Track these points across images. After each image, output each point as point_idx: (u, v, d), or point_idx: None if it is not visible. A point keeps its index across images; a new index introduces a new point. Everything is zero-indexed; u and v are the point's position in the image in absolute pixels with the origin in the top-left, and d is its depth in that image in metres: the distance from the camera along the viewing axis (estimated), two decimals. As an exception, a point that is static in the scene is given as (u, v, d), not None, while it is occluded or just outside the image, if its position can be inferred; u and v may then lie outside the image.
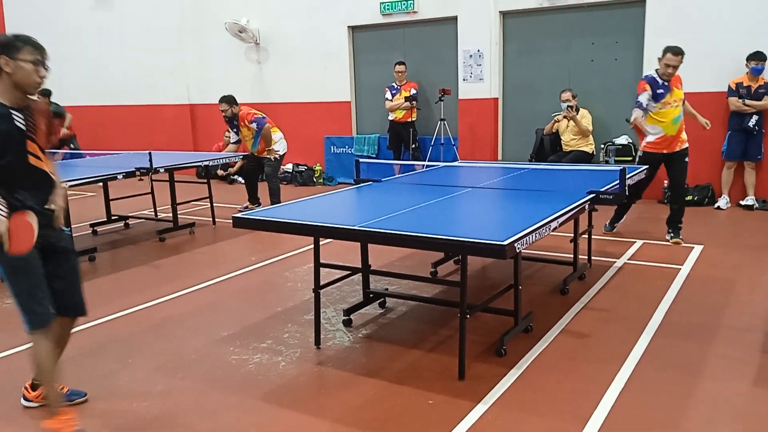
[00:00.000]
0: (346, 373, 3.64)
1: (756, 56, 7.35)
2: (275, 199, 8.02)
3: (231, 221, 3.93)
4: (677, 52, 5.87)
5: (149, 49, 12.15)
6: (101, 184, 6.94)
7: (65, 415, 3.07)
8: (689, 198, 7.87)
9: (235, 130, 8.23)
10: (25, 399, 3.42)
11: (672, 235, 6.14)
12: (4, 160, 2.96)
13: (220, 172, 11.11)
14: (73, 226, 6.31)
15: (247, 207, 8.34)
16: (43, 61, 3.05)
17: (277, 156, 8.19)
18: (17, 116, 3.00)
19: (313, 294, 4.06)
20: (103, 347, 4.10)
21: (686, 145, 6.10)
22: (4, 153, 2.96)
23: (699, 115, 6.38)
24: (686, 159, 6.09)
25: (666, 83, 5.96)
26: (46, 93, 10.02)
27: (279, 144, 8.25)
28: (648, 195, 8.22)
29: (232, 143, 8.44)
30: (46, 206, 3.08)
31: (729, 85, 7.57)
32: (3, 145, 2.95)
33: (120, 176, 6.34)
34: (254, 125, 8.00)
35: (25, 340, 3.86)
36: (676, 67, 5.89)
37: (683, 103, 6.10)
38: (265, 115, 8.17)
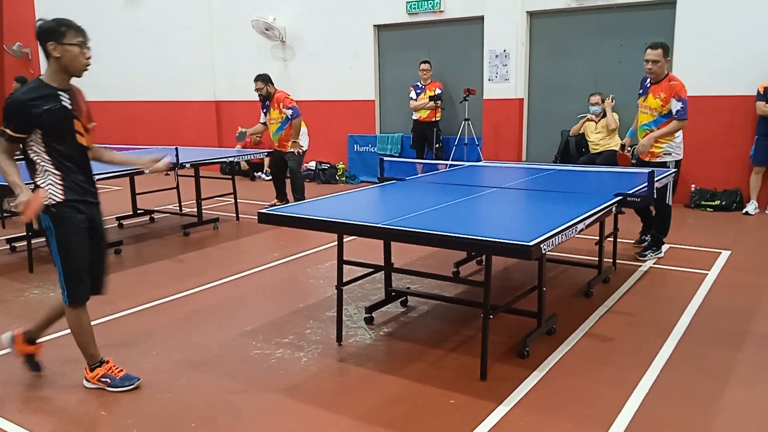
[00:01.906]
0: (367, 370, 3.64)
1: None
2: (299, 195, 8.02)
3: (255, 217, 3.96)
4: (653, 45, 5.42)
5: (178, 47, 12.29)
6: (128, 178, 7.04)
7: (104, 368, 3.43)
8: (717, 203, 7.76)
9: (264, 110, 8.18)
10: (86, 380, 3.54)
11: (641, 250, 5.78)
12: (59, 140, 3.17)
13: (243, 164, 11.19)
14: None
15: (274, 204, 8.37)
16: (86, 44, 3.23)
17: (300, 150, 8.17)
18: (64, 97, 3.21)
19: (335, 291, 4.07)
20: (129, 338, 4.15)
21: (658, 159, 5.52)
22: (59, 133, 3.17)
23: (643, 139, 5.56)
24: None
25: (648, 85, 5.58)
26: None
27: (303, 139, 8.25)
28: (674, 199, 8.13)
29: (261, 123, 8.34)
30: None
31: (758, 89, 7.43)
32: (57, 124, 3.15)
33: (146, 171, 6.39)
34: (290, 111, 7.94)
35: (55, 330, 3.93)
36: (653, 62, 5.38)
37: (662, 116, 5.46)
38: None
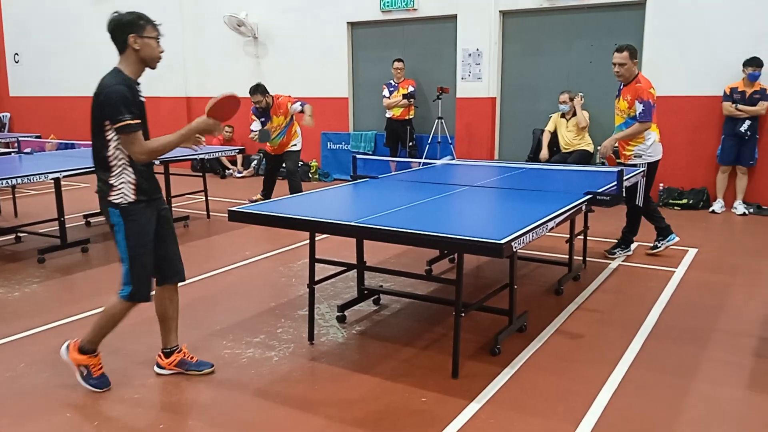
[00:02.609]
0: (339, 369, 3.63)
1: (752, 62, 7.36)
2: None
3: (226, 215, 3.91)
4: (618, 48, 5.41)
5: (147, 41, 12.08)
6: (95, 175, 6.90)
7: (96, 359, 3.36)
8: (684, 201, 7.90)
9: (263, 119, 7.84)
10: (159, 366, 3.56)
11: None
12: (142, 130, 3.16)
13: (235, 169, 11.06)
14: (66, 217, 6.28)
15: (256, 201, 8.27)
16: (160, 37, 3.26)
17: (295, 148, 7.99)
18: (139, 88, 3.25)
19: (307, 289, 4.04)
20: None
21: (629, 162, 5.53)
22: (140, 126, 3.14)
23: (606, 141, 5.58)
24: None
25: (621, 87, 5.57)
26: None
27: (298, 140, 8.10)
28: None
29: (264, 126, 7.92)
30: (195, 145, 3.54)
31: (724, 90, 7.59)
32: (140, 117, 3.16)
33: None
34: (298, 104, 7.73)
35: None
36: (619, 65, 5.37)
37: (631, 118, 5.45)
38: None
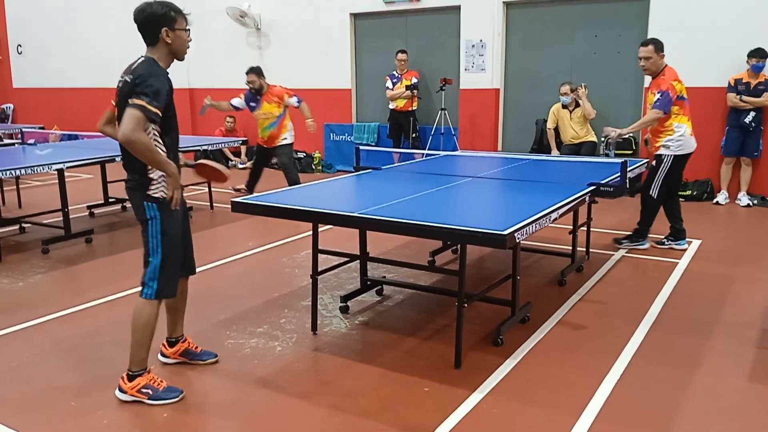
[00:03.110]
0: (342, 359, 3.64)
1: (757, 53, 7.32)
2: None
3: (229, 206, 3.91)
4: (643, 42, 5.49)
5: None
6: (99, 166, 6.92)
7: (150, 375, 3.20)
8: (688, 192, 7.88)
9: (253, 104, 7.88)
10: (163, 355, 3.55)
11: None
12: (171, 124, 3.14)
13: (238, 160, 11.07)
14: (70, 208, 6.30)
15: (240, 190, 8.27)
16: (189, 28, 3.20)
17: (286, 141, 7.97)
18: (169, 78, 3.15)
19: (310, 280, 4.05)
20: (101, 329, 4.09)
21: (658, 152, 5.55)
22: (173, 117, 3.13)
23: (619, 130, 5.64)
24: (653, 164, 5.60)
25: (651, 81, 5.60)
26: None
27: (290, 133, 8.08)
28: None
29: (231, 103, 8.00)
30: (181, 163, 3.34)
31: (728, 81, 7.55)
32: (173, 107, 3.12)
33: (118, 158, 6.30)
34: (295, 99, 7.74)
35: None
36: (645, 59, 5.42)
37: (652, 108, 5.43)
38: None
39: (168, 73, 3.15)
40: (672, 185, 5.63)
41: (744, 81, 7.45)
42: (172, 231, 3.16)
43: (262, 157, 8.19)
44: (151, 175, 3.10)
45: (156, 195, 3.11)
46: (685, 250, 5.70)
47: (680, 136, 5.43)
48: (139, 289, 3.19)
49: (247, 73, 7.77)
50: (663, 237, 5.82)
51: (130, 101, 2.91)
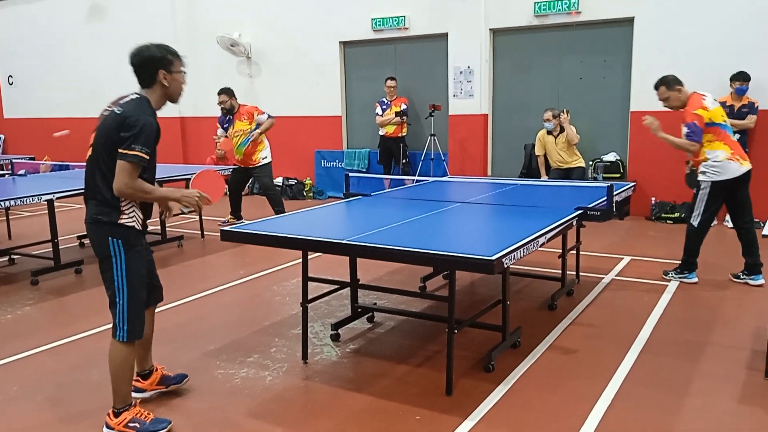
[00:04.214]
0: (332, 388, 3.62)
1: (739, 76, 7.44)
2: (279, 208, 7.83)
3: (219, 234, 3.92)
4: (654, 86, 5.47)
5: (141, 62, 12.14)
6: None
7: (136, 409, 3.14)
8: (676, 215, 7.94)
9: (226, 124, 8.06)
10: (138, 390, 3.44)
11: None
12: (152, 164, 3.10)
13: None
14: (60, 238, 6.28)
15: (228, 221, 8.23)
16: (185, 71, 3.20)
17: (266, 161, 8.03)
18: None
19: (300, 308, 4.04)
20: (91, 360, 4.05)
21: (700, 177, 5.37)
22: (155, 157, 3.09)
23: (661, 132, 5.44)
24: (695, 191, 5.44)
25: None
26: None
27: (266, 151, 8.12)
28: (635, 212, 8.33)
29: (224, 135, 8.14)
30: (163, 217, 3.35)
31: None
32: (155, 144, 3.06)
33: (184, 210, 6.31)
34: (265, 115, 7.87)
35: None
36: (663, 101, 5.42)
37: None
38: None
39: (156, 115, 3.12)
40: (732, 211, 5.40)
41: (728, 104, 7.55)
42: (136, 268, 3.05)
43: (239, 177, 8.18)
44: (122, 208, 3.02)
45: (129, 224, 3.03)
46: (692, 282, 5.48)
47: (716, 162, 5.20)
48: (111, 328, 3.09)
49: (218, 94, 7.98)
50: (740, 272, 5.52)
51: (122, 150, 2.89)
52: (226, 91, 8.01)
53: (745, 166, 5.26)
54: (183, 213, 3.19)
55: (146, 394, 3.48)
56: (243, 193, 8.43)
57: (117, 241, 3.02)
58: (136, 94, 3.11)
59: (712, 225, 6.07)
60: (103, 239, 3.03)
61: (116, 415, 3.10)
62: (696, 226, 5.40)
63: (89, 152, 3.11)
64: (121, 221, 3.02)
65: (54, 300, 5.40)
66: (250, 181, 8.62)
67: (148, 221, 3.22)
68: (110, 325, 4.41)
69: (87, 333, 4.54)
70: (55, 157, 12.25)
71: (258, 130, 7.85)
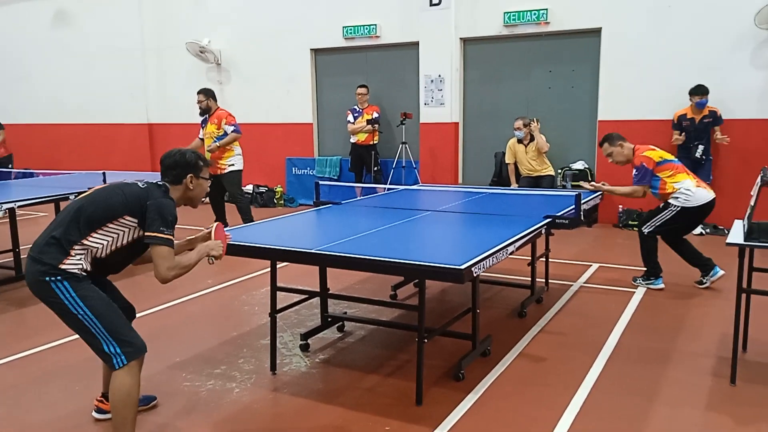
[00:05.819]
0: (301, 399, 3.57)
1: (698, 90, 7.50)
2: (247, 217, 7.71)
3: (186, 244, 3.84)
4: (599, 144, 5.74)
5: (108, 68, 11.95)
6: (53, 204, 6.75)
7: None
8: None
9: (202, 125, 7.91)
10: (99, 411, 3.33)
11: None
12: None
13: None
14: (22, 248, 6.11)
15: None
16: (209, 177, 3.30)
17: (233, 168, 7.93)
18: None
19: (269, 318, 3.99)
20: (51, 374, 3.94)
21: (667, 200, 5.49)
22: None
23: (604, 187, 5.70)
24: (660, 205, 5.61)
25: None
26: None
27: (238, 159, 8.00)
28: (603, 219, 8.43)
29: (198, 138, 8.02)
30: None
31: (673, 118, 7.77)
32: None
33: (72, 196, 6.16)
34: (231, 128, 7.70)
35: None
36: (608, 156, 5.63)
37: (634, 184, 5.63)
38: None
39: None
40: (678, 232, 5.56)
41: (688, 117, 7.69)
42: (89, 292, 2.88)
43: (213, 190, 8.02)
44: (73, 252, 2.86)
45: (72, 270, 2.84)
46: (659, 287, 5.59)
47: (687, 190, 5.33)
48: (111, 362, 2.89)
49: (197, 93, 7.88)
50: (641, 277, 5.71)
51: (154, 233, 2.90)
52: (204, 92, 7.89)
53: (711, 193, 5.43)
54: (211, 263, 3.21)
55: (106, 417, 3.29)
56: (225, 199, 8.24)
57: (63, 283, 2.84)
58: (165, 184, 3.15)
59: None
60: (46, 286, 2.85)
61: None
62: (645, 234, 5.55)
63: (85, 193, 3.05)
64: (63, 267, 2.84)
65: (14, 311, 5.24)
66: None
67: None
68: (69, 338, 4.32)
69: (47, 346, 4.41)
70: (19, 165, 11.96)
71: (218, 143, 7.67)
